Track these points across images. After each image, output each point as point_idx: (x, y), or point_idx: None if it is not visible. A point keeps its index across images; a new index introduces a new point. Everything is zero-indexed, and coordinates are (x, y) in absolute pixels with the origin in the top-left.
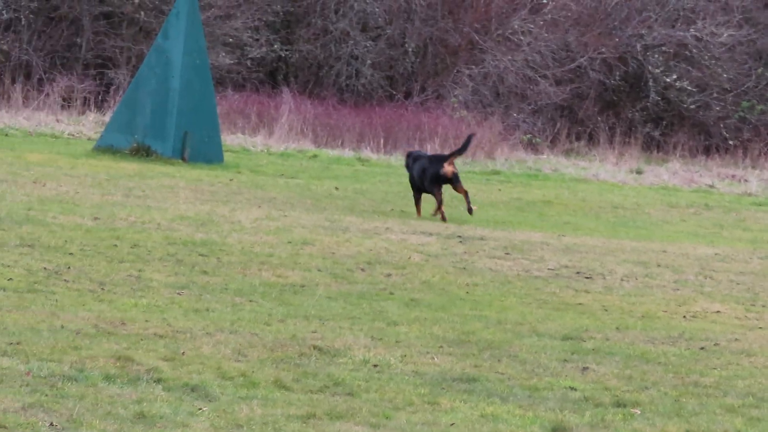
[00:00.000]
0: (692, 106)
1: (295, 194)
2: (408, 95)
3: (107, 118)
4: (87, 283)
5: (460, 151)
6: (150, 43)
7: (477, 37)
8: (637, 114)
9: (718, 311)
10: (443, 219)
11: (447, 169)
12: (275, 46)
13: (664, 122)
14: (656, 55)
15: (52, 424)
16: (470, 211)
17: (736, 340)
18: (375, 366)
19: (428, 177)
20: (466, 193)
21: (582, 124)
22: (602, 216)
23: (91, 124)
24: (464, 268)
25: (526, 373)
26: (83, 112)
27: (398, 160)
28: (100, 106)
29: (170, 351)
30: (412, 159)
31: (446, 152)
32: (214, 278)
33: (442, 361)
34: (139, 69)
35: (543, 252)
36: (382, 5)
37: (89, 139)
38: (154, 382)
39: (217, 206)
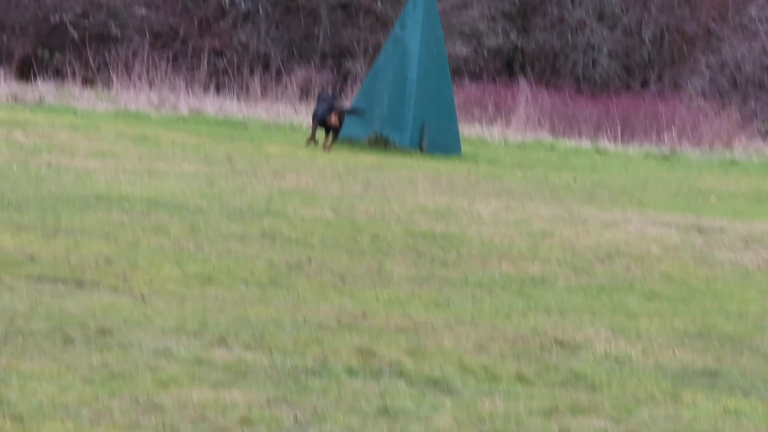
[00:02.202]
0: None
1: (532, 185)
2: (644, 84)
3: None
4: (328, 275)
5: (348, 112)
6: (387, 33)
7: (714, 25)
8: None
9: None
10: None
11: (332, 119)
12: (512, 36)
13: None
14: None
15: (296, 418)
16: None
17: None
18: (616, 359)
19: (318, 116)
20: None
21: None
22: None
23: None
24: (704, 260)
25: None
26: None
27: (636, 150)
28: (338, 97)
29: (412, 344)
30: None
31: (344, 104)
32: (453, 271)
33: (683, 355)
34: (376, 59)
35: None
36: None
37: None
38: (397, 376)
39: (456, 198)
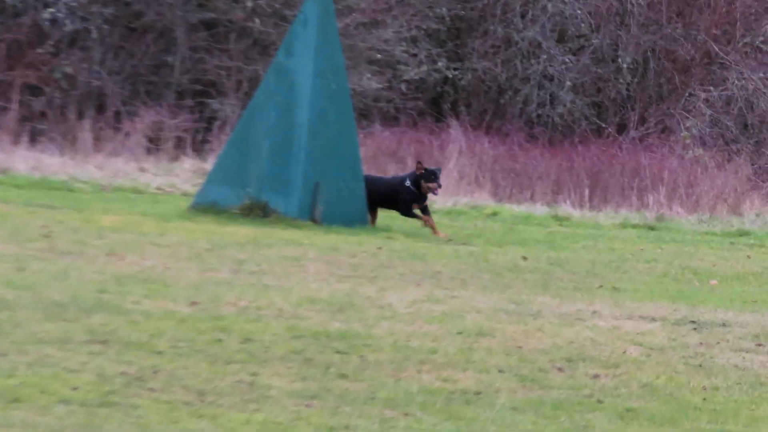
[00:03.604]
0: None
1: (467, 267)
2: (622, 129)
3: (209, 165)
4: (181, 392)
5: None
6: (268, 61)
7: (716, 48)
8: None
9: None
10: None
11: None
12: (440, 64)
13: None
14: None
15: None
16: None
17: None
18: None
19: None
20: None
21: None
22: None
23: (187, 174)
24: (700, 366)
25: None
26: (176, 158)
27: (609, 217)
28: (199, 148)
29: None
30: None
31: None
32: (356, 384)
33: None
34: (253, 97)
35: None
36: (585, 6)
37: (185, 194)
38: None
39: (361, 284)
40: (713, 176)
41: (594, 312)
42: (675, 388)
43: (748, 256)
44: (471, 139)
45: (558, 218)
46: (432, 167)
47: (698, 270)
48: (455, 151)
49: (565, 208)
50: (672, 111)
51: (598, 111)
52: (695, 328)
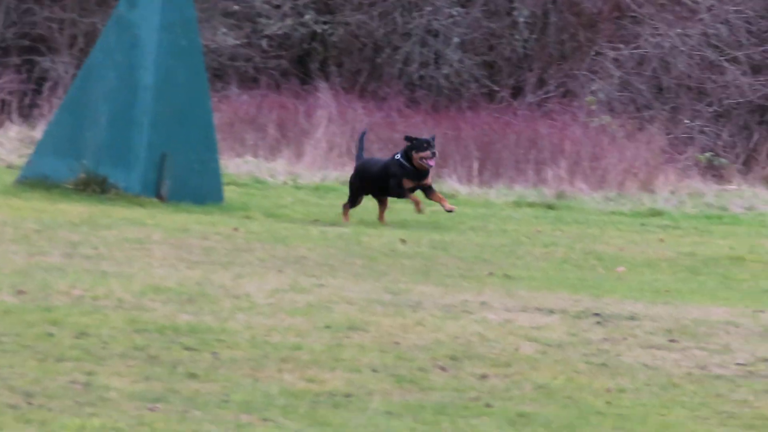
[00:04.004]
0: None
1: (336, 251)
2: (517, 93)
3: (39, 133)
4: (6, 394)
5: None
6: (107, 14)
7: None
8: None
9: None
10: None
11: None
12: (306, 17)
13: None
14: None
15: None
16: None
17: None
18: None
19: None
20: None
21: None
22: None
23: (12, 143)
24: (604, 365)
25: None
26: (0, 124)
27: (502, 194)
28: (27, 113)
29: None
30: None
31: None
32: (207, 385)
33: None
34: (90, 55)
35: (729, 338)
36: None
37: (10, 166)
38: None
39: (214, 271)
40: (622, 148)
41: (483, 303)
42: (575, 390)
43: (661, 240)
44: (342, 104)
45: (443, 194)
46: (424, 136)
47: (603, 255)
48: (324, 118)
49: (451, 184)
50: (575, 72)
51: (490, 72)
52: (599, 322)
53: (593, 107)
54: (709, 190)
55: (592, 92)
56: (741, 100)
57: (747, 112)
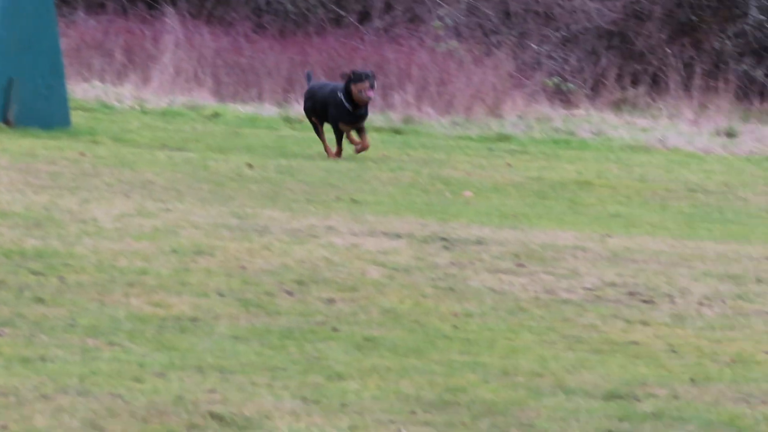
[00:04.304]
0: None
1: (183, 176)
2: (364, 17)
3: None
4: None
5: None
6: None
7: None
8: (728, 42)
9: None
10: None
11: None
12: None
13: None
14: None
15: None
16: None
17: None
18: None
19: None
20: None
21: (641, 61)
22: (672, 204)
23: None
24: (451, 289)
25: None
26: None
27: None
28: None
29: None
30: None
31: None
32: (54, 309)
33: None
34: None
35: (576, 262)
36: None
37: None
38: None
39: (61, 196)
40: (469, 72)
41: (329, 228)
42: (421, 314)
43: (509, 164)
44: (190, 30)
45: (289, 120)
46: (364, 70)
47: (451, 180)
48: (171, 44)
49: (298, 109)
50: None
51: None
52: (446, 246)
53: (440, 32)
54: (557, 115)
55: (439, 17)
56: (589, 26)
57: (595, 37)
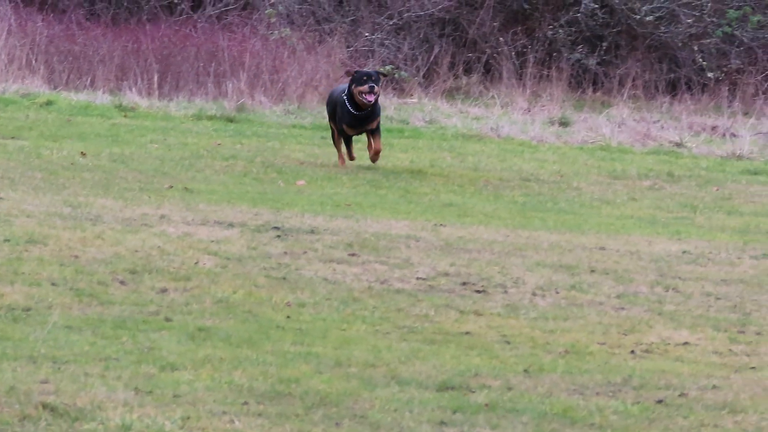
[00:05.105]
0: (649, 18)
1: (16, 164)
2: (197, 5)
3: None
4: None
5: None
6: None
7: None
8: (561, 31)
9: (686, 342)
10: None
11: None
12: None
13: (605, 44)
14: None
15: None
16: None
17: (715, 387)
18: None
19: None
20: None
21: (474, 49)
22: (505, 194)
23: None
24: (284, 278)
25: None
26: None
27: (182, 108)
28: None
29: None
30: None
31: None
32: None
33: (246, 426)
34: None
35: (410, 252)
36: None
37: None
38: None
39: None
40: (302, 60)
41: (162, 217)
42: (255, 304)
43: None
44: (22, 17)
45: (122, 108)
46: (369, 70)
47: (284, 169)
48: (3, 31)
49: (131, 97)
50: None
51: None
52: (279, 236)
53: (273, 20)
54: (390, 104)
55: (272, 5)
56: (421, 13)
57: (428, 25)
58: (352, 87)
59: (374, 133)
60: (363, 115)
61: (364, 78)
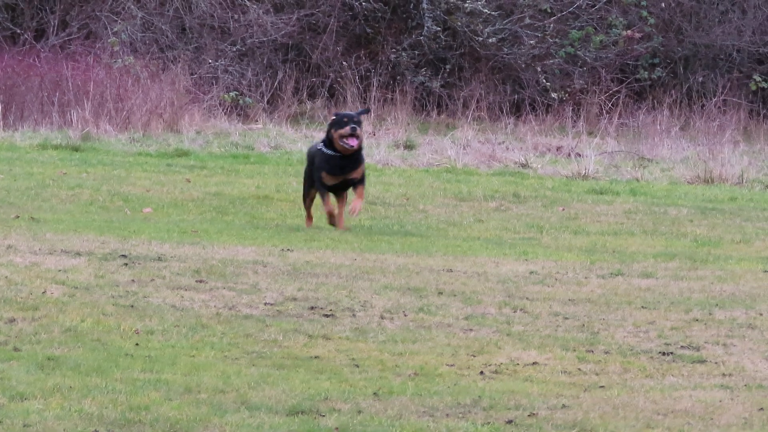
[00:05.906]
0: (491, 40)
1: None
2: (40, 35)
3: None
4: None
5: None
6: None
7: None
8: (404, 54)
9: (534, 362)
10: None
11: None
12: None
13: (448, 67)
14: None
15: None
16: None
17: (564, 407)
18: None
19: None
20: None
21: (318, 74)
22: (351, 218)
23: None
24: (132, 306)
25: None
26: None
27: (28, 137)
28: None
29: None
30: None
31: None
32: None
33: None
34: None
35: (257, 277)
36: None
37: None
38: None
39: None
40: (146, 88)
41: (9, 247)
42: (103, 332)
43: (188, 180)
44: None
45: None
46: (348, 111)
47: (130, 197)
48: None
49: None
50: (98, 14)
51: (12, 15)
52: (126, 264)
53: (116, 48)
54: (235, 130)
55: (115, 33)
56: (264, 39)
57: (271, 51)
58: (332, 132)
59: (357, 185)
60: (344, 161)
61: (345, 120)
